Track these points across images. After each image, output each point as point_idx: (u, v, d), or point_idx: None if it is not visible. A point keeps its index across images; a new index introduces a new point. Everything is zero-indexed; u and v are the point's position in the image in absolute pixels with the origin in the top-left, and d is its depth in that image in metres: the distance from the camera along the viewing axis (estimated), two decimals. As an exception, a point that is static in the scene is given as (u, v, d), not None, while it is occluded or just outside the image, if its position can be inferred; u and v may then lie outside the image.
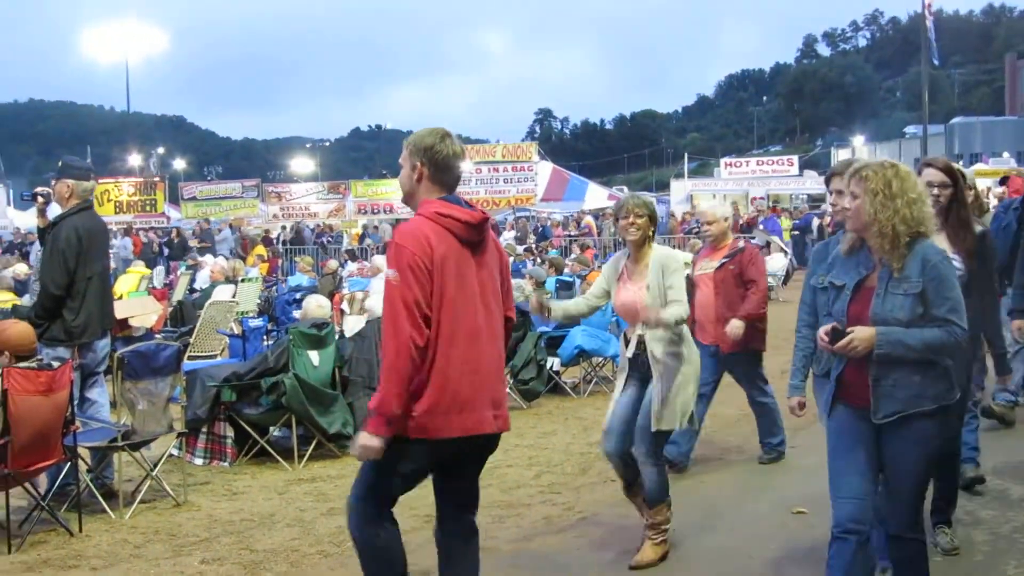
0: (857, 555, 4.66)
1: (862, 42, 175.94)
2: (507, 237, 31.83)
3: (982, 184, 21.90)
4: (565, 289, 15.68)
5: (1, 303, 14.31)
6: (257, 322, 12.88)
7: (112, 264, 12.97)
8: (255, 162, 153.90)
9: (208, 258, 23.61)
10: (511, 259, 20.21)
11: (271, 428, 9.57)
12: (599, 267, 18.82)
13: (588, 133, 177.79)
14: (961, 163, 31.02)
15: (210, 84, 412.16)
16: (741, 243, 8.78)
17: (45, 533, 7.34)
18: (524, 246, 28.97)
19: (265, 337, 12.56)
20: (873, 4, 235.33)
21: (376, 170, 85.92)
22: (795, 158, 53.27)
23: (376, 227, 37.30)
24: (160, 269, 25.42)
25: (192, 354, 13.03)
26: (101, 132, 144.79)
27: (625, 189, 63.77)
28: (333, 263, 21.89)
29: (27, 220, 37.54)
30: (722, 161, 52.09)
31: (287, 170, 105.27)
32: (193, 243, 33.20)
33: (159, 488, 8.18)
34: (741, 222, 32.85)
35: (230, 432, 9.52)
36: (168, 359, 8.27)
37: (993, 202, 16.29)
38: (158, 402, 8.18)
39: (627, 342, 6.61)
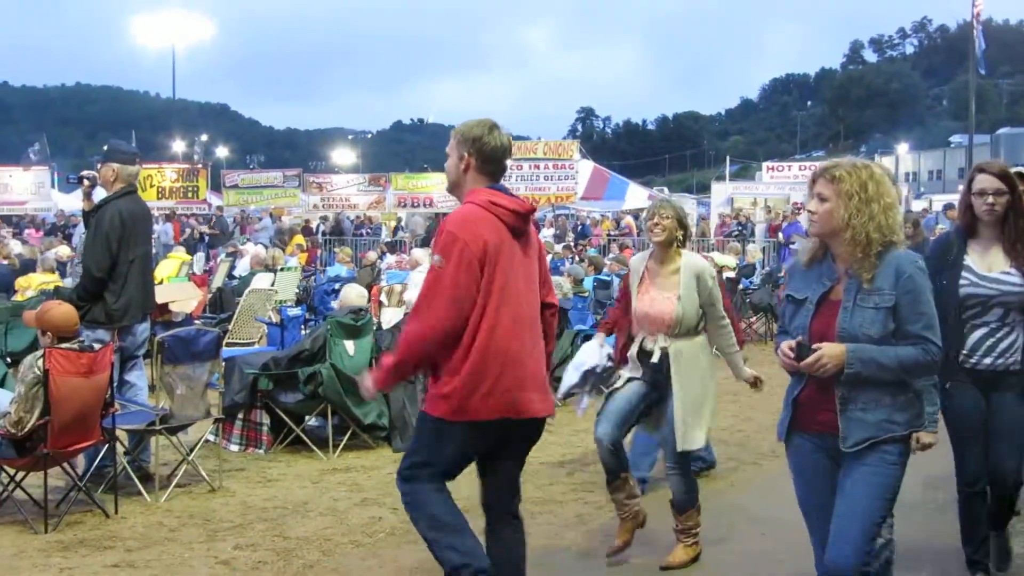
0: None
1: (909, 49, 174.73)
2: (546, 234, 31.75)
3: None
4: (603, 288, 15.65)
5: (44, 284, 14.47)
6: (296, 311, 12.92)
7: (153, 249, 13.03)
8: (297, 152, 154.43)
9: (248, 246, 23.72)
10: (549, 256, 20.21)
11: (306, 417, 9.61)
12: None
13: (630, 133, 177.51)
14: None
15: (255, 73, 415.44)
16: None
17: (81, 514, 7.40)
18: (563, 244, 28.90)
19: (303, 326, 12.59)
20: (921, 11, 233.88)
21: (417, 163, 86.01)
22: (838, 164, 52.76)
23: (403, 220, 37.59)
24: (200, 255, 25.54)
25: (230, 341, 13.10)
26: (146, 117, 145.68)
27: (666, 190, 63.61)
28: (372, 255, 21.94)
29: (70, 202, 37.72)
30: (764, 165, 51.66)
31: (328, 161, 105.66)
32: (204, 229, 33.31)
33: (195, 473, 8.23)
34: (765, 227, 32.66)
35: (266, 420, 9.57)
36: (208, 345, 8.32)
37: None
38: (196, 387, 8.23)
39: (642, 351, 6.46)
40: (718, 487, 8.11)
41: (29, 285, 14.83)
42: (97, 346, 7.31)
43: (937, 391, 4.99)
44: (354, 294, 10.34)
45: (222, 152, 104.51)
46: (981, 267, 5.65)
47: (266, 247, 22.70)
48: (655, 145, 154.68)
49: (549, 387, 4.98)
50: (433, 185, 35.78)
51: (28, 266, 18.63)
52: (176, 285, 14.69)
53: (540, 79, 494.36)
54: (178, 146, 74.13)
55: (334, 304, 10.61)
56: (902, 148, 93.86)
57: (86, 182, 8.59)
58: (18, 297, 14.29)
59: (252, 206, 39.65)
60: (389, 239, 33.05)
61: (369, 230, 36.98)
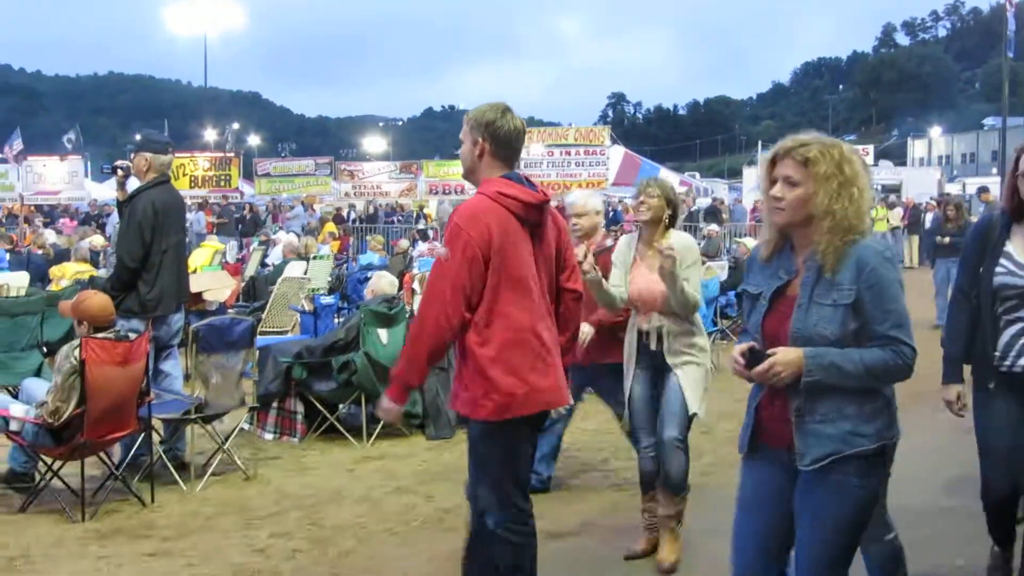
0: None
1: (942, 32, 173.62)
2: (577, 220, 31.72)
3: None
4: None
5: (78, 274, 14.55)
6: (328, 299, 12.94)
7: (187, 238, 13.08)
8: (328, 140, 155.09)
9: (280, 234, 23.78)
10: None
11: (340, 405, 9.63)
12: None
13: (661, 118, 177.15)
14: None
15: (285, 61, 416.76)
16: (610, 241, 7.48)
17: (118, 503, 7.44)
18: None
19: (336, 315, 12.62)
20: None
21: (448, 150, 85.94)
22: (870, 148, 52.47)
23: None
24: (233, 244, 25.64)
25: (264, 329, 13.13)
26: (177, 106, 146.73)
27: (697, 175, 63.42)
28: (404, 243, 21.98)
29: (104, 192, 38.00)
30: (796, 149, 51.46)
31: (359, 148, 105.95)
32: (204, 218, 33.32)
33: (230, 461, 8.26)
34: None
35: (300, 408, 9.58)
36: (242, 333, 8.35)
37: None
38: (231, 376, 8.26)
39: (640, 332, 6.32)
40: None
41: (63, 274, 14.92)
42: (132, 336, 7.34)
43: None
44: (385, 282, 10.34)
45: (253, 140, 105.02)
46: (1022, 254, 5.01)
47: (298, 235, 22.76)
48: (686, 130, 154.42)
49: (564, 376, 4.95)
50: (465, 172, 35.86)
51: (62, 255, 18.79)
52: (210, 274, 14.75)
53: (571, 66, 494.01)
54: (209, 135, 74.31)
55: (365, 292, 10.61)
56: (935, 131, 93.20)
57: (120, 172, 8.59)
58: (53, 287, 14.38)
59: (284, 194, 39.83)
60: (423, 227, 33.08)
61: (400, 217, 37.04)
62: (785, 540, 3.79)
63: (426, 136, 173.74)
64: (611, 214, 36.08)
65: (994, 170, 54.95)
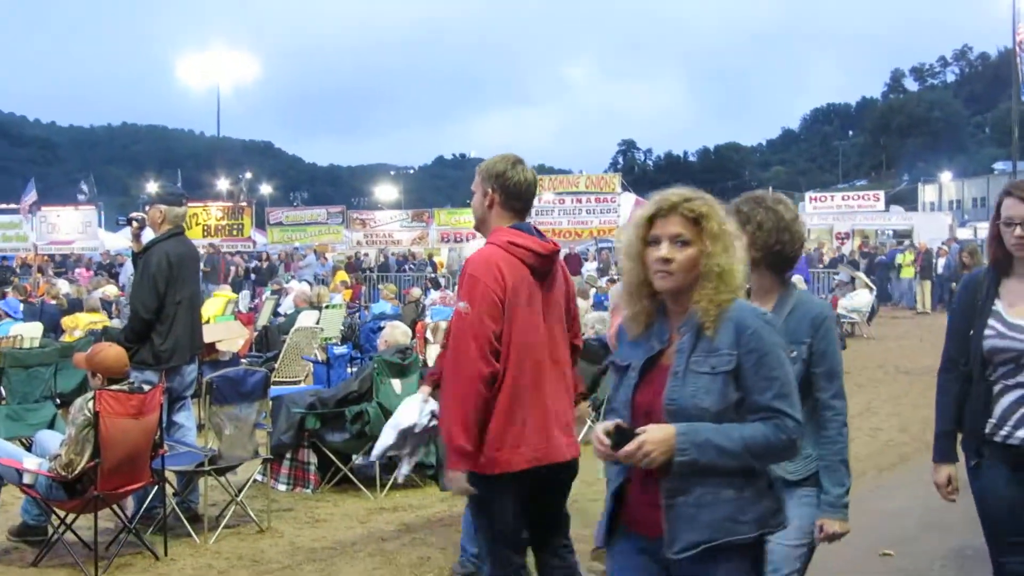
0: None
1: (951, 77, 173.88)
2: (589, 268, 31.76)
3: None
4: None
5: (92, 324, 14.58)
6: (342, 349, 12.93)
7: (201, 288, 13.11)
8: (340, 188, 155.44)
9: (293, 283, 23.82)
10: (593, 290, 20.18)
11: (354, 456, 9.60)
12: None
13: (671, 165, 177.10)
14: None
15: (297, 110, 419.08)
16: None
17: (131, 556, 7.41)
18: (607, 277, 28.86)
19: (349, 364, 12.61)
20: (962, 39, 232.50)
21: (459, 198, 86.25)
22: (881, 193, 52.55)
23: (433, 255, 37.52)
24: (246, 293, 25.70)
25: (277, 379, 13.12)
26: (190, 156, 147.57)
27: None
28: (416, 291, 21.99)
29: (117, 241, 38.16)
30: (807, 195, 51.55)
31: (371, 197, 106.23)
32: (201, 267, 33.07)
33: (243, 513, 8.23)
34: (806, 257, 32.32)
35: (313, 459, 9.56)
36: (256, 384, 8.35)
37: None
38: (245, 427, 8.25)
39: None
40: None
41: (76, 325, 14.95)
42: (147, 387, 7.34)
43: (846, 468, 3.99)
44: (399, 332, 10.34)
45: (265, 189, 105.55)
46: (1011, 313, 4.44)
47: (311, 284, 22.80)
48: (697, 177, 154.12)
49: (574, 428, 4.95)
50: (476, 220, 35.97)
51: (75, 305, 18.83)
52: (223, 324, 14.76)
53: (581, 113, 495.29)
54: (222, 184, 74.70)
55: (378, 342, 10.61)
56: (945, 176, 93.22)
57: (135, 224, 8.64)
58: (66, 337, 14.41)
59: (296, 243, 39.98)
60: (434, 275, 33.13)
61: (412, 266, 37.13)
62: None
63: (437, 184, 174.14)
64: (616, 263, 36.16)
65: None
